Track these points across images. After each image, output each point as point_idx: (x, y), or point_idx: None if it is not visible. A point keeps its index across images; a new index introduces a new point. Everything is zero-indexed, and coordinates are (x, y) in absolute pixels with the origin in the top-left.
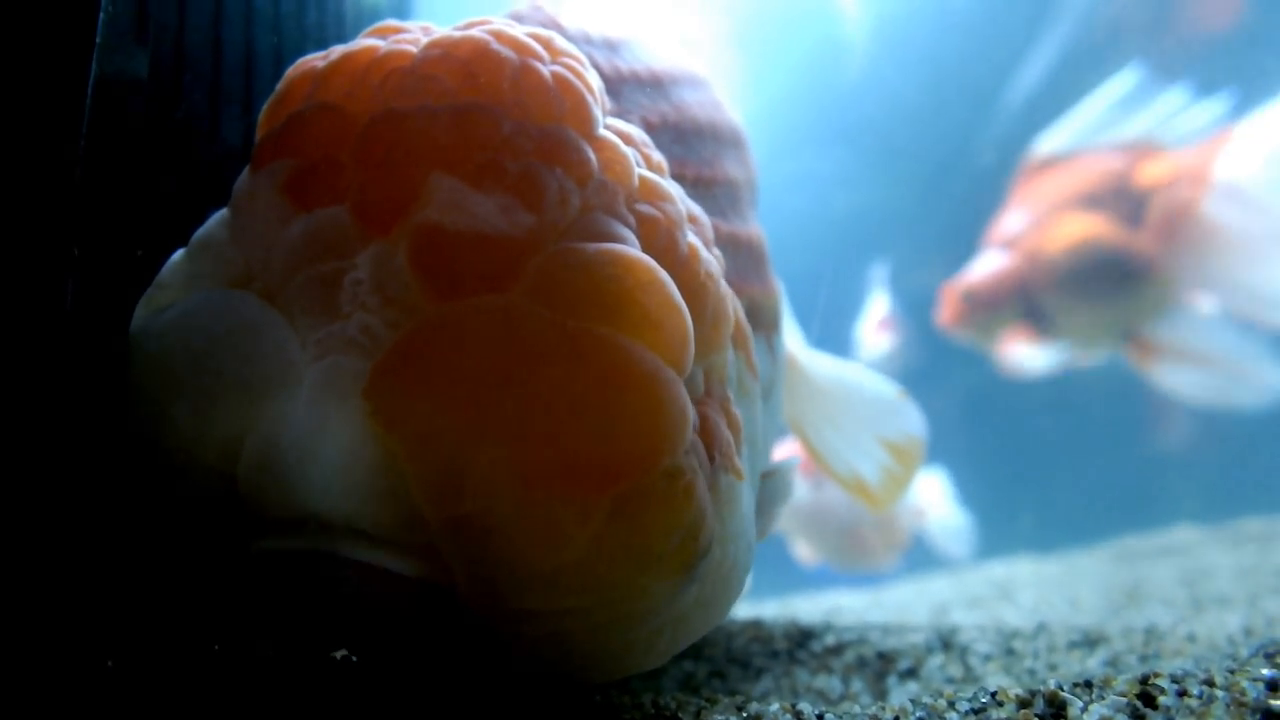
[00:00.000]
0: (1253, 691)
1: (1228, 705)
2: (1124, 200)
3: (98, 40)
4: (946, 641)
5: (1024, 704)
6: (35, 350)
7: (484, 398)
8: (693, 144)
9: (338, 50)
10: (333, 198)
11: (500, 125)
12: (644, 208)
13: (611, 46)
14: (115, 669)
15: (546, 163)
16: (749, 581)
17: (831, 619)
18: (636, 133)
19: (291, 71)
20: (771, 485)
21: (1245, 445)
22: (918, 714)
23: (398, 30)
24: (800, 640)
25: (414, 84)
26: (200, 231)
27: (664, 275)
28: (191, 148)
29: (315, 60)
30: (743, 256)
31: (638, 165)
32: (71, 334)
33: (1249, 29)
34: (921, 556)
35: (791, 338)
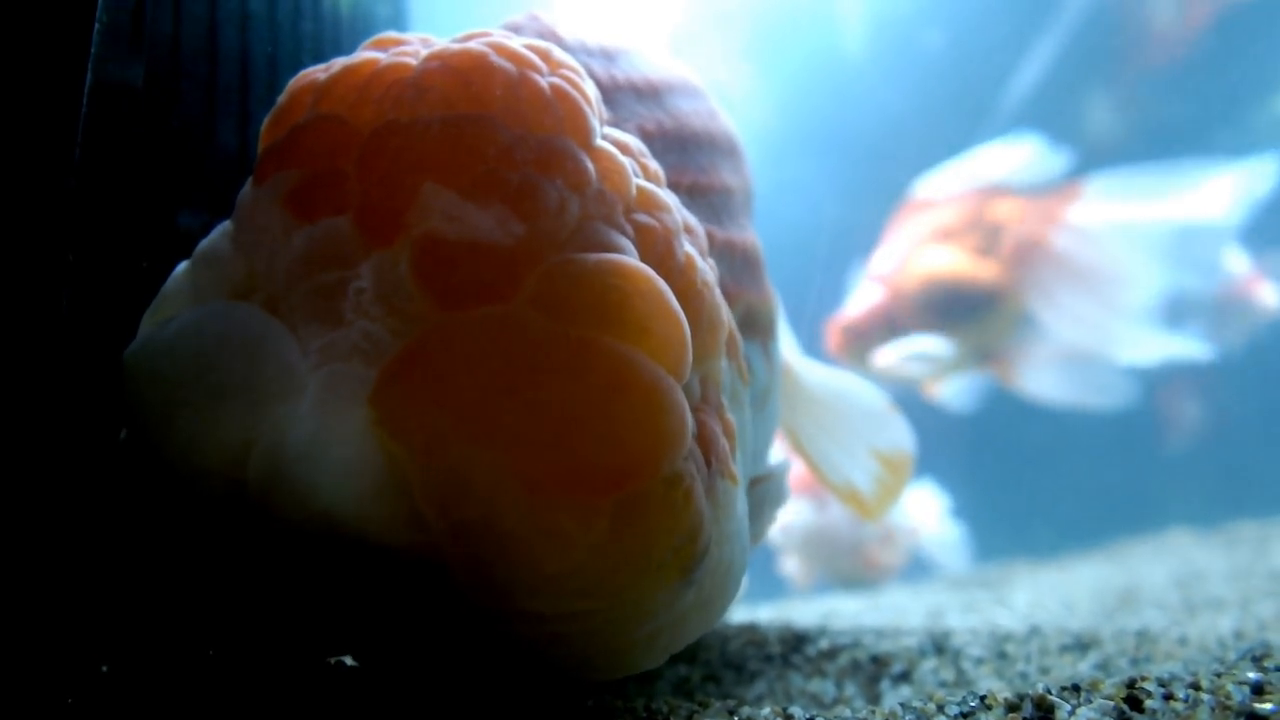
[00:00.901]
0: (1238, 695)
1: (1212, 709)
2: (979, 234)
3: (93, 49)
4: (940, 645)
5: (1012, 707)
6: (32, 356)
7: (488, 405)
8: (689, 152)
9: (339, 63)
10: (335, 208)
11: (499, 136)
12: (641, 217)
13: (608, 56)
14: (110, 673)
15: (545, 173)
16: (744, 584)
17: (826, 623)
18: (633, 142)
19: (293, 84)
20: (766, 489)
21: (1240, 449)
22: (907, 718)
23: (397, 42)
24: (795, 644)
25: (414, 96)
26: (204, 244)
27: (663, 285)
28: (188, 156)
29: (316, 72)
30: (738, 263)
31: (635, 175)
32: (67, 340)
33: (1195, 64)
34: (918, 570)
35: (786, 346)
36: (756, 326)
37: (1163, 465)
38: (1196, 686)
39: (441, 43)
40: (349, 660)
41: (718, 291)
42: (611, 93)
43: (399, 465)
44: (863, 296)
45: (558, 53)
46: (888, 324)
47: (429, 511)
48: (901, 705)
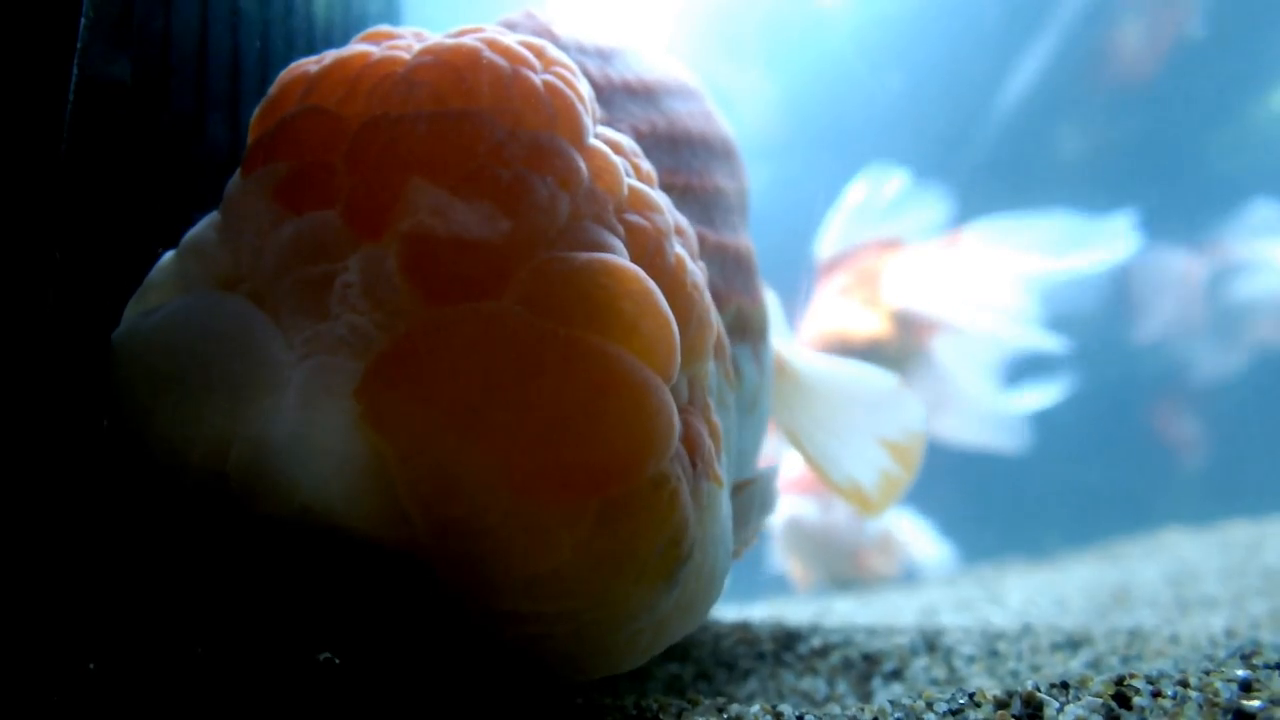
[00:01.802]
0: (1226, 692)
1: (1200, 705)
2: (869, 287)
3: (79, 44)
4: (931, 643)
5: (1001, 705)
6: (16, 354)
7: (476, 402)
8: (683, 154)
9: (330, 55)
10: (324, 201)
11: (492, 132)
12: (633, 217)
13: (604, 55)
14: (96, 671)
15: (537, 170)
16: (726, 585)
17: (818, 621)
18: (626, 142)
19: (284, 75)
20: (752, 494)
21: (1234, 449)
22: (896, 715)
23: (390, 36)
24: (787, 642)
25: (406, 90)
26: (190, 233)
27: (653, 285)
28: (178, 151)
29: (308, 64)
30: (730, 266)
31: (627, 174)
32: (53, 338)
33: (1162, 83)
34: (913, 573)
35: (784, 342)
36: (747, 330)
37: (1157, 465)
38: (1185, 684)
39: (435, 37)
40: (337, 658)
41: (707, 294)
42: (606, 92)
43: (384, 460)
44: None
45: (552, 50)
46: None
47: (413, 508)
48: (891, 703)
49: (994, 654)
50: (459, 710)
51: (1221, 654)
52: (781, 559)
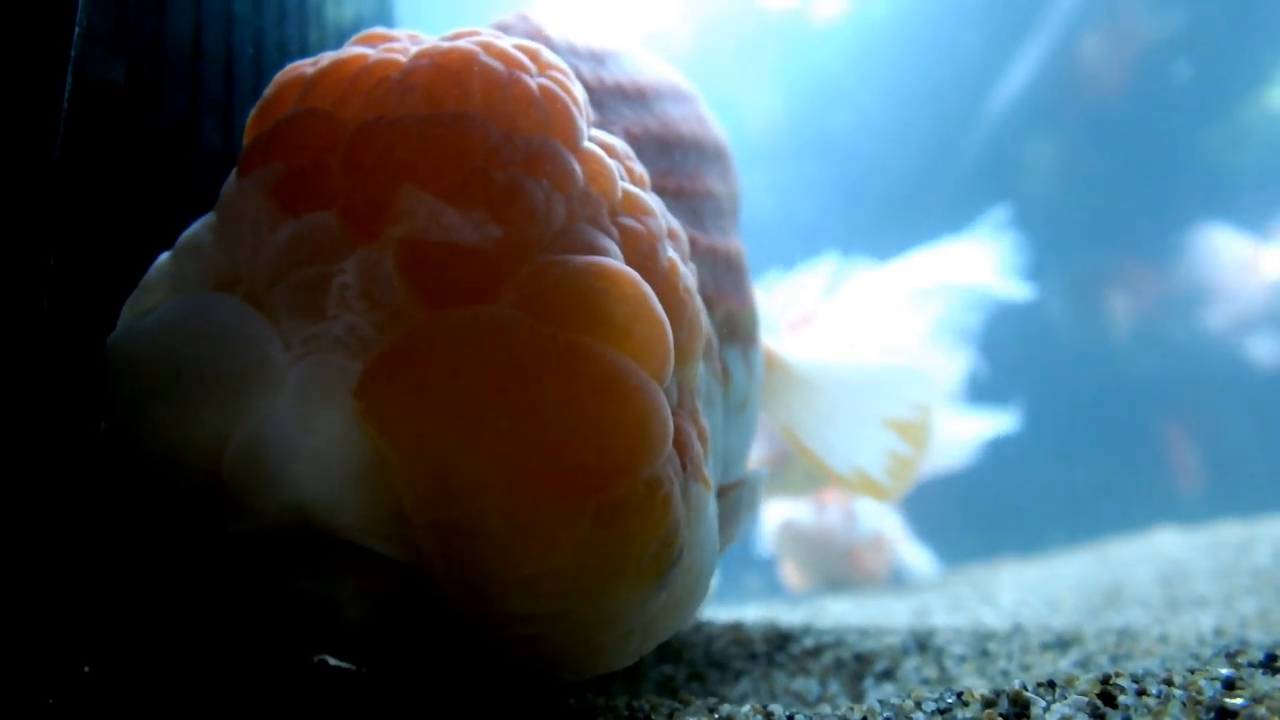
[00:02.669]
0: (1209, 690)
1: (1184, 704)
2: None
3: (73, 50)
4: (923, 643)
5: (989, 704)
6: (12, 357)
7: (475, 404)
8: (676, 157)
9: (327, 57)
10: (321, 203)
11: (487, 136)
12: (627, 220)
13: (597, 58)
14: (92, 673)
15: (532, 174)
16: (714, 584)
17: (811, 622)
18: (619, 144)
19: (280, 76)
20: (740, 496)
21: (1227, 450)
22: (885, 715)
23: (386, 38)
24: (779, 643)
25: (403, 93)
26: (186, 234)
27: (647, 289)
28: (172, 154)
29: (304, 66)
30: (721, 269)
31: (621, 178)
32: (48, 342)
33: (1134, 94)
34: (905, 574)
35: (775, 338)
36: (737, 333)
37: (1149, 465)
38: (1170, 682)
39: (430, 40)
40: (332, 660)
41: (698, 297)
42: (599, 95)
43: (382, 460)
44: None
45: (546, 53)
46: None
47: (411, 508)
48: (880, 702)
49: (984, 654)
50: (452, 710)
51: (1209, 653)
52: (778, 563)
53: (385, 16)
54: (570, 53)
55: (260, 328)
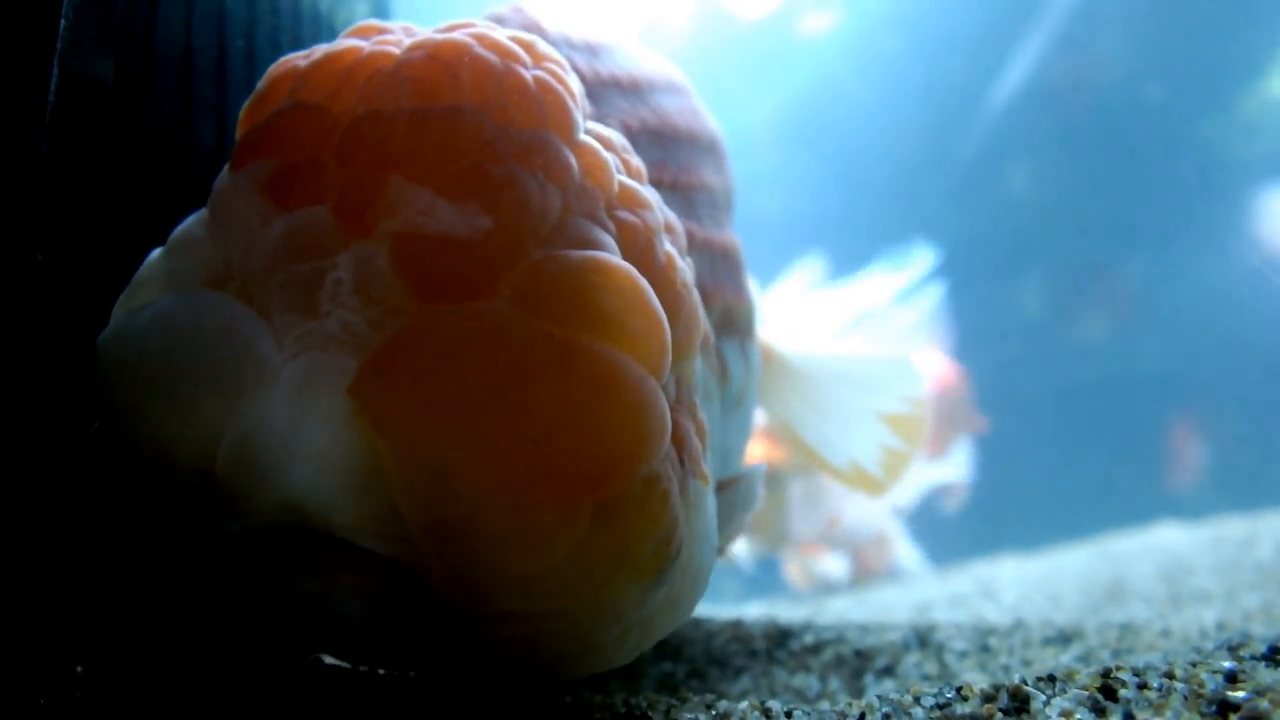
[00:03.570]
0: (1211, 684)
1: (1185, 697)
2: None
3: (59, 45)
4: (924, 639)
5: (988, 698)
6: (0, 355)
7: (471, 401)
8: (671, 150)
9: (320, 50)
10: (314, 198)
11: (483, 129)
12: (623, 214)
13: (592, 51)
14: (84, 673)
15: (529, 167)
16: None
17: (812, 619)
18: (616, 137)
19: (273, 70)
20: (737, 492)
21: (1229, 444)
22: (884, 710)
23: (379, 31)
24: (779, 640)
25: (397, 86)
26: (178, 230)
27: (645, 284)
28: (163, 150)
29: (297, 59)
30: (718, 263)
31: (617, 171)
32: (36, 340)
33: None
34: (903, 571)
35: (771, 331)
36: (734, 326)
37: (1151, 460)
38: (1171, 676)
39: (425, 32)
40: (327, 658)
41: (695, 292)
42: (595, 87)
43: (377, 458)
44: None
45: (542, 45)
46: None
47: (407, 506)
48: (879, 697)
49: (985, 649)
50: (448, 709)
51: (1210, 647)
52: (782, 562)
53: (381, 9)
54: (565, 45)
55: (254, 325)
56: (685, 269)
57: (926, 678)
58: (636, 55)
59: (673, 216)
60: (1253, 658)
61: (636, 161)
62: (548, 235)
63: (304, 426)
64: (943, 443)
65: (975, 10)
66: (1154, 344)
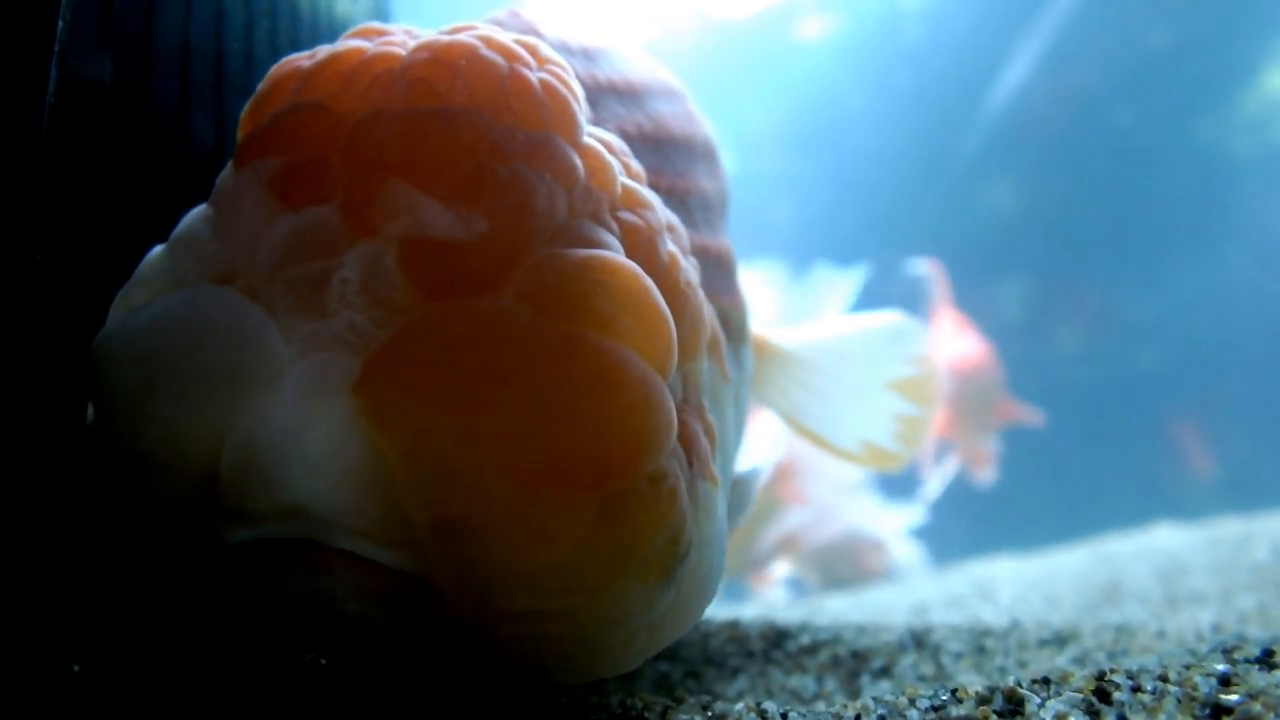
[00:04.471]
0: (1204, 687)
1: (1179, 700)
2: None
3: (57, 46)
4: (920, 640)
5: (983, 700)
6: None
7: (476, 399)
8: (667, 155)
9: (324, 50)
10: (321, 197)
11: (489, 131)
12: (626, 215)
13: (589, 55)
14: (81, 673)
15: (534, 168)
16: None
17: (809, 620)
18: (617, 141)
19: (276, 70)
20: (733, 496)
21: (1227, 445)
22: (880, 711)
23: (381, 33)
24: (776, 640)
25: (403, 87)
26: (180, 227)
27: (649, 282)
28: (162, 151)
29: (301, 59)
30: (713, 268)
31: (620, 173)
32: (32, 340)
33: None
34: (902, 571)
35: (764, 324)
36: (728, 332)
37: (1148, 461)
38: (1165, 679)
39: (428, 34)
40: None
41: (700, 291)
42: (592, 92)
43: (382, 457)
44: None
45: (545, 49)
46: None
47: (412, 505)
48: (875, 699)
49: (981, 651)
50: (445, 710)
51: (1205, 649)
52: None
53: (381, 12)
54: (563, 49)
55: (261, 323)
56: (689, 268)
57: (922, 679)
58: (632, 60)
59: (674, 218)
60: (1246, 661)
61: (636, 165)
62: (553, 236)
63: (310, 426)
64: (973, 431)
65: (972, 18)
66: (1151, 346)
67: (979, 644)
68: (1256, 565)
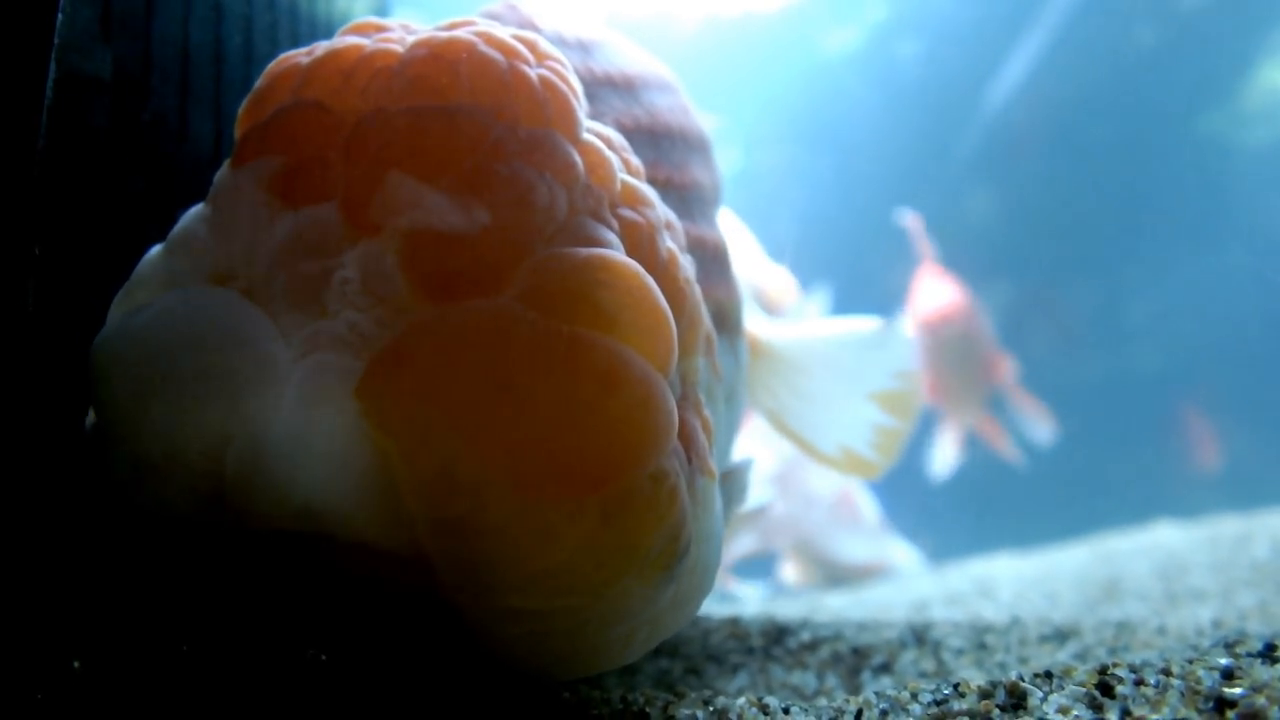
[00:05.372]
0: (1208, 680)
1: (1182, 693)
2: None
3: (56, 40)
4: (920, 637)
5: (985, 695)
6: None
7: (479, 400)
8: (664, 148)
9: (322, 47)
10: (320, 196)
11: (489, 129)
12: (626, 212)
13: (585, 49)
14: (81, 670)
15: (535, 166)
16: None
17: (809, 616)
18: (616, 136)
19: (274, 67)
20: (728, 487)
21: (1227, 443)
22: (881, 706)
23: (379, 28)
24: (776, 637)
25: (403, 85)
26: (178, 228)
27: (650, 281)
28: (160, 147)
29: (298, 56)
30: (708, 259)
31: (619, 170)
32: (33, 334)
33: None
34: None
35: (757, 321)
36: (725, 323)
37: (1148, 459)
38: (1168, 672)
39: (426, 30)
40: (327, 655)
41: (697, 289)
42: (589, 86)
43: (386, 459)
44: None
45: (544, 44)
46: None
47: (416, 506)
48: (876, 694)
49: (982, 646)
50: (447, 706)
51: (1207, 644)
52: (780, 563)
53: (381, 7)
54: (560, 43)
55: (261, 324)
56: (687, 265)
57: (924, 675)
58: (627, 53)
59: (671, 214)
60: (1249, 655)
61: (635, 160)
62: (554, 234)
63: (313, 428)
64: (961, 388)
65: (974, 17)
66: (1152, 343)
67: (980, 640)
68: (1256, 563)
